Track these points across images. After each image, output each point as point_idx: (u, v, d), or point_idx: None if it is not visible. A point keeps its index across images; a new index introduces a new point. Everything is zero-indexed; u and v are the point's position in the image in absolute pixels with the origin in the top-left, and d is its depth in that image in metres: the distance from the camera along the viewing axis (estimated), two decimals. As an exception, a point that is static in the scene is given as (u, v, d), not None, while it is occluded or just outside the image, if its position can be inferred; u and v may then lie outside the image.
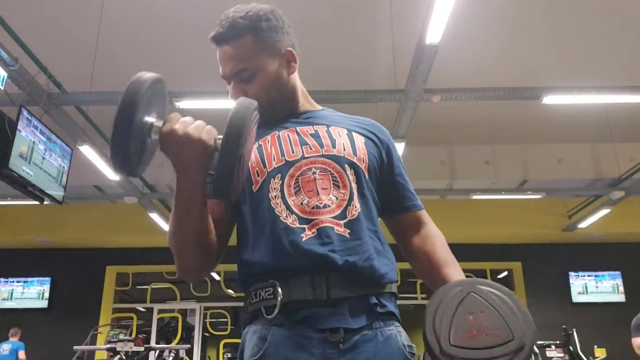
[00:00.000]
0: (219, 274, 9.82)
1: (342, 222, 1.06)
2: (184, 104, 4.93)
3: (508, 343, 0.91)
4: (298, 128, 1.17)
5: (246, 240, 1.11)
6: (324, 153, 1.12)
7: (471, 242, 8.72)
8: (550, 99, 4.90)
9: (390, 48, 4.95)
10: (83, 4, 4.92)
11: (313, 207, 1.06)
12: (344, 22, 5.21)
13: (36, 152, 4.42)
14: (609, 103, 5.71)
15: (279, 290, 1.02)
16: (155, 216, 7.97)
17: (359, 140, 1.18)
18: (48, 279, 9.48)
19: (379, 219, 1.20)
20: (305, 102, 1.27)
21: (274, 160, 1.12)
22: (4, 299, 9.43)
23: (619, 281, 9.45)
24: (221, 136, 0.93)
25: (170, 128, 0.94)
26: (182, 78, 5.85)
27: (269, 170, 1.10)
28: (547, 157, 7.65)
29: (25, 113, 4.27)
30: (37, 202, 4.76)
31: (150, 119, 0.95)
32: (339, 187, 1.09)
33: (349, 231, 1.06)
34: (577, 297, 9.39)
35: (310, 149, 1.13)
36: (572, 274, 9.47)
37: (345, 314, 1.02)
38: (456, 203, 8.28)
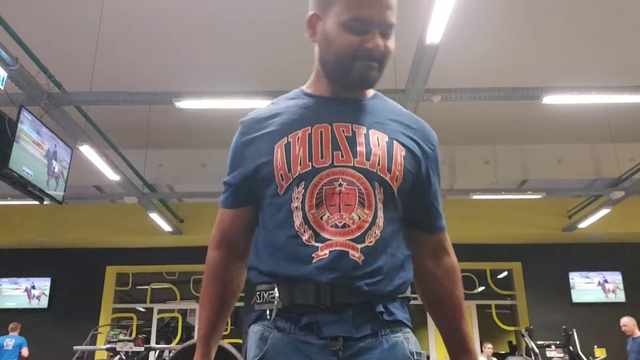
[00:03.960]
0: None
1: (359, 246, 1.01)
2: (183, 104, 4.93)
3: None
4: (334, 124, 1.08)
5: (262, 244, 1.09)
6: (356, 165, 1.04)
7: (471, 242, 8.72)
8: (550, 99, 4.90)
9: (390, 48, 4.95)
10: (83, 4, 4.91)
11: (332, 226, 1.01)
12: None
13: (36, 152, 4.42)
14: (609, 103, 5.71)
15: (277, 295, 1.02)
16: (155, 216, 7.96)
17: (398, 153, 1.08)
18: (48, 279, 9.49)
19: None
20: None
21: (300, 164, 1.04)
22: (4, 299, 9.43)
23: (619, 281, 9.45)
24: None
25: None
26: (182, 78, 5.87)
27: (293, 176, 1.04)
28: (547, 157, 7.65)
29: (25, 113, 4.27)
30: (37, 202, 4.77)
31: None
32: (364, 206, 1.03)
33: (363, 258, 1.01)
34: (577, 297, 9.39)
35: (342, 156, 1.04)
36: (572, 274, 9.47)
37: (348, 322, 0.99)
38: (456, 203, 8.28)
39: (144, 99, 5.24)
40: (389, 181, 1.06)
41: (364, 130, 1.08)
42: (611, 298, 9.40)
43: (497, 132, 7.06)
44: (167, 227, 8.43)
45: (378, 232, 1.04)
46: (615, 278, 9.48)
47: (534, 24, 5.29)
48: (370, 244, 1.02)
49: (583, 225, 8.35)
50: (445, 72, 4.97)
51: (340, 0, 1.06)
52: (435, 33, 3.82)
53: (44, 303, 9.38)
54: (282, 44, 5.25)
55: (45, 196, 4.61)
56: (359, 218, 1.02)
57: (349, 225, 1.02)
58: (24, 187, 4.36)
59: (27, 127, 4.29)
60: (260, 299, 1.06)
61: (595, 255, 9.44)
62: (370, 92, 1.18)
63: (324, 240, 1.01)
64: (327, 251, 1.00)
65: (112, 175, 6.33)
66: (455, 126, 6.83)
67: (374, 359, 0.99)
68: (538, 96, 4.88)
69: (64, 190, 4.90)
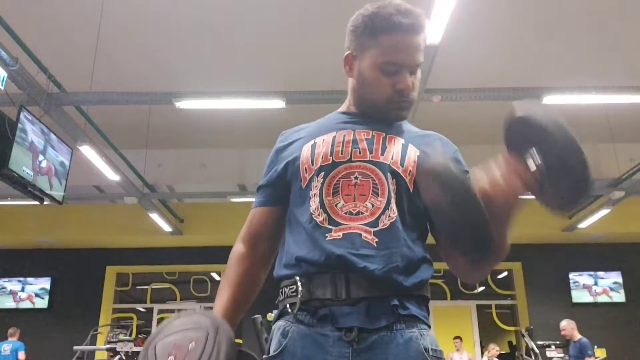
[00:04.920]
0: (218, 274, 9.82)
1: (372, 229, 1.06)
2: (183, 104, 4.93)
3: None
4: (357, 130, 1.18)
5: (289, 235, 1.16)
6: (370, 159, 1.13)
7: (471, 242, 8.71)
8: (550, 99, 4.91)
9: (390, 48, 4.95)
10: (83, 4, 4.91)
11: (346, 213, 1.08)
12: (344, 22, 5.21)
13: (36, 152, 4.42)
14: (609, 103, 5.71)
15: (300, 288, 1.06)
16: (155, 216, 7.96)
17: (412, 153, 1.16)
18: (48, 279, 9.49)
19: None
20: None
21: (322, 159, 1.13)
22: (4, 299, 9.44)
23: (619, 281, 9.45)
24: None
25: None
26: (182, 78, 5.87)
27: (315, 168, 1.13)
28: (547, 157, 7.64)
29: (25, 113, 4.27)
30: (37, 202, 4.77)
31: None
32: (377, 195, 1.09)
33: (377, 240, 1.05)
34: (577, 297, 9.39)
35: (359, 152, 1.14)
36: (572, 274, 9.48)
37: (362, 313, 1.02)
38: (456, 203, 8.26)
39: (144, 99, 5.24)
40: (402, 174, 1.12)
41: (382, 135, 1.18)
42: (611, 298, 9.41)
43: (498, 132, 6.98)
44: (167, 227, 8.43)
45: (393, 215, 1.08)
46: (615, 278, 9.49)
47: (534, 24, 5.30)
48: (385, 227, 1.07)
49: (583, 225, 8.36)
50: (445, 72, 4.98)
51: (377, 44, 1.16)
52: (435, 33, 3.82)
53: (44, 303, 9.39)
54: (282, 45, 5.25)
55: (45, 196, 4.61)
56: (372, 206, 1.09)
57: (362, 213, 1.08)
58: (24, 187, 4.36)
59: (27, 127, 4.29)
60: (282, 295, 1.10)
61: (595, 255, 9.45)
62: None
63: (337, 224, 1.07)
64: (340, 233, 1.06)
65: (112, 176, 6.33)
66: (455, 126, 6.81)
67: (388, 352, 1.00)
68: (538, 96, 4.88)
69: (64, 191, 4.90)
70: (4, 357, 7.64)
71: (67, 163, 4.96)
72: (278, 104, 4.81)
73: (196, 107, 5.23)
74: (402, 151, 1.15)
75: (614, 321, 9.12)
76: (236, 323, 1.15)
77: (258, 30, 5.23)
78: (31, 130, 4.35)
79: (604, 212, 7.73)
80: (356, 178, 1.11)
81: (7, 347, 7.79)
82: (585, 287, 9.48)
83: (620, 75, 5.55)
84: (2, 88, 4.11)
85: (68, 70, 5.06)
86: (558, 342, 8.03)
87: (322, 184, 1.11)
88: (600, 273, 9.50)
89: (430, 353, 1.04)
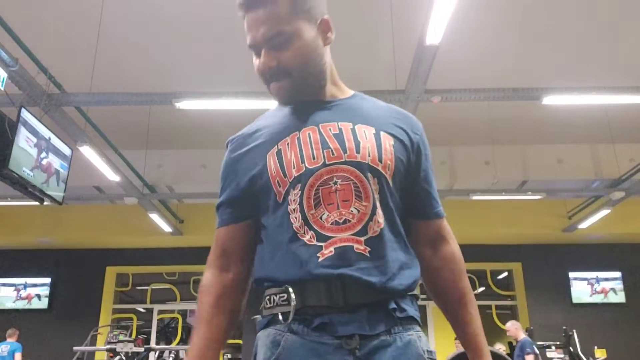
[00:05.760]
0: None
1: (362, 239, 1.01)
2: (183, 104, 4.93)
3: None
4: (321, 125, 1.09)
5: (263, 254, 1.08)
6: (347, 159, 1.04)
7: (471, 243, 8.70)
8: (550, 100, 4.90)
9: (390, 49, 4.95)
10: (83, 4, 4.92)
11: (332, 223, 1.02)
12: (344, 23, 5.22)
13: (36, 153, 4.41)
14: (608, 104, 5.71)
15: (292, 296, 0.99)
16: (155, 217, 7.96)
17: (387, 143, 1.09)
18: (48, 279, 9.49)
19: None
20: (333, 86, 1.17)
21: (294, 168, 1.04)
22: (4, 300, 9.43)
23: (619, 282, 9.45)
24: None
25: None
26: (182, 78, 5.87)
27: (289, 180, 1.04)
28: (547, 157, 7.65)
29: (25, 114, 4.27)
30: (37, 203, 4.76)
31: None
32: (361, 199, 1.03)
33: (369, 249, 1.01)
34: (577, 298, 9.39)
35: (333, 154, 1.05)
36: (572, 274, 9.47)
37: (362, 320, 0.98)
38: (456, 203, 8.27)
39: (144, 100, 5.24)
40: (382, 170, 1.06)
41: (350, 126, 1.09)
42: (611, 299, 9.40)
43: (497, 133, 7.06)
44: (167, 228, 8.43)
45: (380, 220, 1.04)
46: (615, 278, 9.48)
47: (534, 25, 5.30)
48: (375, 234, 1.02)
49: (583, 225, 8.36)
50: (445, 72, 4.98)
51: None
52: (435, 34, 3.82)
53: (44, 304, 9.38)
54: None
55: (45, 197, 4.60)
56: (358, 211, 1.02)
57: (349, 220, 1.02)
58: (24, 187, 4.36)
59: (27, 128, 4.29)
60: (270, 302, 1.04)
61: (595, 255, 9.45)
62: (349, 92, 1.20)
63: (326, 238, 1.01)
64: (331, 248, 1.00)
65: (112, 176, 6.33)
66: (455, 127, 6.84)
67: (388, 357, 0.98)
68: (538, 97, 4.88)
69: (64, 191, 4.90)
70: (1, 357, 7.64)
71: (67, 163, 4.96)
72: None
73: (196, 108, 5.23)
74: (377, 143, 1.07)
75: (614, 321, 9.12)
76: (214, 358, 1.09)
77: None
78: (31, 131, 4.34)
79: (604, 212, 7.73)
80: (335, 183, 1.03)
81: (4, 348, 7.78)
82: (585, 287, 9.47)
83: (620, 76, 5.55)
84: (2, 89, 4.11)
85: (68, 70, 5.06)
86: (558, 343, 8.01)
87: (301, 197, 1.03)
88: (600, 273, 9.50)
89: (427, 355, 1.04)
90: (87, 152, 5.60)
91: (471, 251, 9.97)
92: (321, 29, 1.12)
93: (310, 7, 1.09)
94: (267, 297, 1.05)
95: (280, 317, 1.01)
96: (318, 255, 1.00)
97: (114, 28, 5.06)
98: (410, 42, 4.30)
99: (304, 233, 1.02)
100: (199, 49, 5.51)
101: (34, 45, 4.54)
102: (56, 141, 4.80)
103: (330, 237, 1.01)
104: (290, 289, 1.00)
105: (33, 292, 9.46)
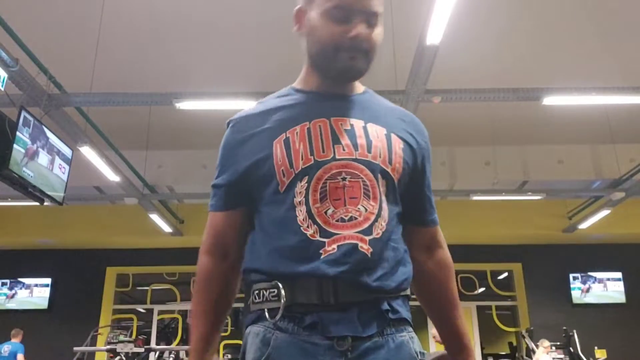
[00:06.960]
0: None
1: (367, 238, 0.99)
2: (183, 104, 4.93)
3: None
4: (332, 119, 1.06)
5: (256, 244, 1.06)
6: (358, 157, 1.03)
7: (471, 243, 8.71)
8: (550, 100, 4.90)
9: (390, 49, 4.95)
10: (83, 4, 4.92)
11: (338, 220, 0.99)
12: (344, 23, 5.21)
13: (36, 153, 4.41)
14: (609, 104, 5.71)
15: (282, 292, 0.97)
16: (155, 217, 7.96)
17: (397, 145, 1.08)
18: (48, 279, 9.49)
19: None
20: None
21: (302, 159, 1.02)
22: (4, 300, 9.43)
23: (619, 282, 9.44)
24: None
25: None
26: (182, 79, 5.87)
27: (296, 172, 1.01)
28: (547, 158, 7.65)
29: (25, 114, 4.27)
30: (37, 203, 4.76)
31: None
32: (369, 198, 1.01)
33: (372, 250, 0.99)
34: (577, 298, 9.38)
35: (344, 149, 1.03)
36: (572, 275, 9.47)
37: (354, 321, 0.97)
38: (456, 204, 8.27)
39: (144, 100, 5.24)
40: (391, 173, 1.05)
41: (362, 123, 1.08)
42: (611, 299, 9.40)
43: (498, 133, 7.06)
44: (167, 228, 8.43)
45: (384, 224, 1.03)
46: (615, 279, 9.48)
47: (534, 25, 5.30)
48: (378, 236, 1.01)
49: (583, 226, 8.35)
50: (446, 73, 4.97)
51: None
52: (435, 34, 3.82)
53: (44, 304, 9.38)
54: (282, 45, 5.24)
55: (46, 197, 4.61)
56: (366, 210, 1.01)
57: (356, 218, 1.00)
58: (24, 188, 4.36)
59: (27, 128, 4.29)
60: (259, 297, 1.01)
61: (595, 256, 9.44)
62: (361, 88, 1.18)
63: (330, 235, 0.98)
64: (335, 246, 0.98)
65: (113, 176, 6.33)
66: (455, 127, 6.83)
67: (381, 359, 0.97)
68: (538, 97, 4.88)
69: (64, 191, 4.90)
70: (3, 358, 7.64)
71: (67, 164, 4.96)
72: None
73: (196, 108, 5.23)
74: (388, 144, 1.06)
75: (614, 321, 9.11)
76: (213, 351, 1.12)
77: (258, 30, 5.23)
78: (31, 131, 4.34)
79: (604, 212, 7.73)
80: (344, 179, 1.01)
81: (7, 348, 7.78)
82: (585, 288, 9.47)
83: (620, 76, 5.55)
84: (3, 89, 4.11)
85: (68, 71, 5.06)
86: (558, 343, 8.02)
87: (307, 189, 1.00)
88: (601, 274, 9.50)
89: (419, 357, 1.04)
90: (88, 152, 5.60)
91: (471, 251, 10.03)
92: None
93: None
94: (256, 292, 1.03)
95: (267, 313, 0.99)
96: (320, 251, 0.98)
97: (114, 28, 5.06)
98: (410, 42, 4.29)
99: (308, 227, 0.99)
100: (199, 49, 5.51)
101: (35, 46, 4.54)
102: (56, 141, 4.80)
103: (335, 234, 0.99)
104: (280, 285, 0.98)
105: (33, 292, 9.45)
